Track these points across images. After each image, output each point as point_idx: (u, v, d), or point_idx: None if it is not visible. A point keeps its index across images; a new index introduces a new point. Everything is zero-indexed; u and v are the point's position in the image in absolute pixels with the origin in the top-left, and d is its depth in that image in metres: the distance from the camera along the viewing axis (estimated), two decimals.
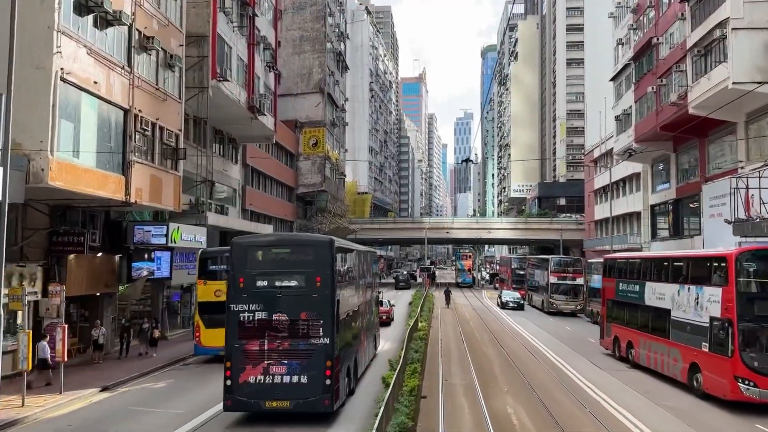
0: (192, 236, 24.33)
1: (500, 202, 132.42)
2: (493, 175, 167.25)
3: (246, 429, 13.30)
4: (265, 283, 13.49)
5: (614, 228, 56.24)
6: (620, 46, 45.44)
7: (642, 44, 39.10)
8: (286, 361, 13.10)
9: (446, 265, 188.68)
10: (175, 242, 22.84)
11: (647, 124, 38.33)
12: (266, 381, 13.02)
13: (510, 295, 43.69)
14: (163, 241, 22.20)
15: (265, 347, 13.14)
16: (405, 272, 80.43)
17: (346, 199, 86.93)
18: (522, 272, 50.91)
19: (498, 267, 68.28)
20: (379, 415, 10.72)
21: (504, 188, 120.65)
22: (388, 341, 25.37)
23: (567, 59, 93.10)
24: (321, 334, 13.21)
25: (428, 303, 37.78)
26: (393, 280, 70.02)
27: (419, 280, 69.68)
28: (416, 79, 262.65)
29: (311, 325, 13.24)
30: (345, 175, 62.67)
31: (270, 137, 36.35)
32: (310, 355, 13.12)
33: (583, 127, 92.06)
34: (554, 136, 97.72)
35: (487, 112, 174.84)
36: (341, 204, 59.57)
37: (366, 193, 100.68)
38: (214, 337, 20.52)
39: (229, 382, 13.05)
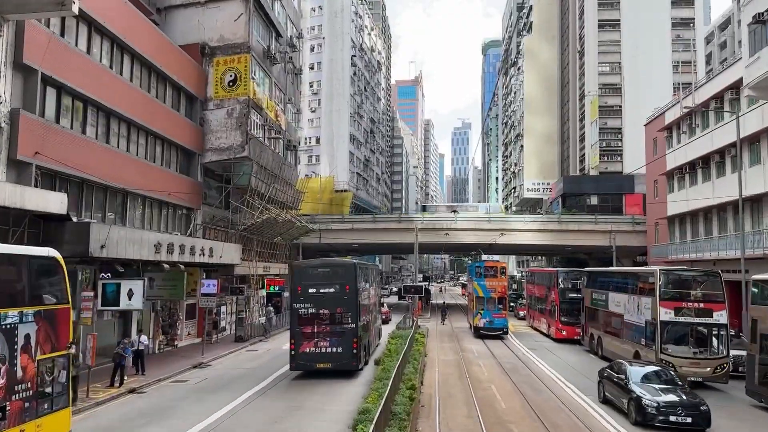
0: None
1: (507, 207, 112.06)
2: (497, 179, 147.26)
3: (304, 379, 20.19)
4: (314, 290, 20.75)
5: (708, 225, 36.11)
6: None
7: None
8: (328, 339, 20.42)
9: (444, 280, 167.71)
10: None
11: None
12: (316, 351, 20.36)
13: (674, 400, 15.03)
14: None
15: (315, 330, 20.45)
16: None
17: (304, 188, 67.12)
18: (576, 296, 30.51)
19: (525, 286, 45.57)
20: None
21: (514, 188, 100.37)
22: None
23: (599, 21, 73.48)
24: (349, 321, 20.50)
25: (409, 377, 17.01)
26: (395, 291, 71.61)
27: (406, 300, 48.09)
28: (412, 82, 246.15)
29: (343, 316, 20.52)
30: (295, 147, 42.25)
31: (63, 1, 16.07)
32: (343, 334, 20.43)
33: (620, 106, 72.29)
34: (581, 120, 77.77)
35: (490, 109, 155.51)
36: (289, 189, 39.15)
37: (345, 190, 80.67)
38: None
39: (293, 352, 20.53)
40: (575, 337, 30.64)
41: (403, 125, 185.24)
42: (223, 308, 32.45)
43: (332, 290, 20.69)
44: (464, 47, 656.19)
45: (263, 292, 40.72)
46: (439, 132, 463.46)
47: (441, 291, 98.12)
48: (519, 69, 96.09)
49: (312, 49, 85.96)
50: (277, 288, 39.37)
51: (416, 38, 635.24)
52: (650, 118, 46.07)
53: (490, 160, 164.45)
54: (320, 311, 20.47)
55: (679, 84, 67.53)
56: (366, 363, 22.30)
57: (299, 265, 22.56)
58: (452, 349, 28.69)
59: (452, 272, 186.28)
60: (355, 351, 20.34)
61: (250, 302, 33.12)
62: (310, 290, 20.64)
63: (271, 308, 40.29)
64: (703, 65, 71.84)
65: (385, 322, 36.50)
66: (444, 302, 57.18)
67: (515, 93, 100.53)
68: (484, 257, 32.15)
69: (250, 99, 31.16)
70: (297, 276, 21.46)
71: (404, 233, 50.68)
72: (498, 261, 34.13)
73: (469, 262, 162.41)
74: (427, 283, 71.51)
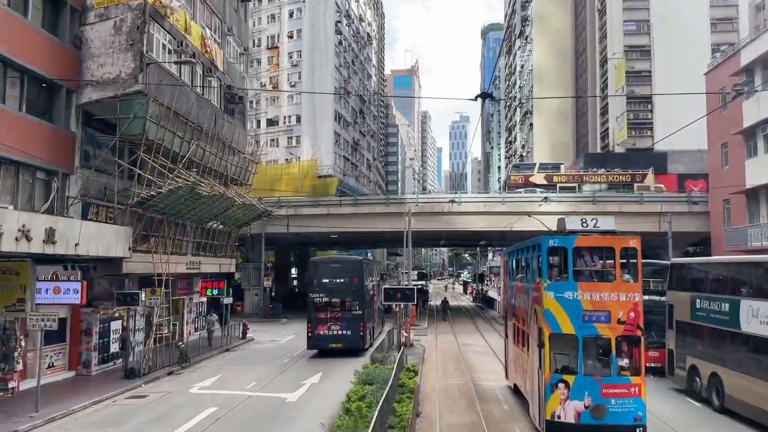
0: None
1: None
2: (499, 168, 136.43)
3: (319, 358, 24.28)
4: (328, 281, 24.73)
5: None
6: None
7: None
8: (339, 323, 24.31)
9: (444, 277, 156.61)
10: None
11: None
12: (329, 333, 24.28)
13: None
14: None
15: (328, 316, 24.33)
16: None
17: (283, 173, 57.14)
18: (653, 302, 19.62)
19: None
20: None
21: None
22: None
23: None
24: (357, 309, 24.54)
25: None
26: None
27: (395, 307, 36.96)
28: (408, 71, 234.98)
29: (352, 304, 24.56)
30: (241, 98, 31.09)
31: None
32: (352, 320, 24.43)
33: (650, 71, 61.36)
34: (603, 89, 66.90)
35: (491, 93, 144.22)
36: (233, 156, 28.25)
37: (330, 176, 70.01)
38: None
39: (310, 334, 24.53)
40: (652, 365, 19.85)
41: (399, 115, 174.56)
42: (115, 324, 21.58)
43: (343, 282, 24.73)
44: (464, 42, 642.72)
45: (200, 298, 29.99)
46: (437, 128, 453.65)
47: (446, 289, 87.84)
48: (527, 38, 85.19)
49: (291, 15, 75.22)
50: (215, 291, 28.53)
51: (415, 33, 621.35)
52: (713, 65, 35.25)
53: (492, 148, 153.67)
54: (332, 300, 24.49)
55: (718, 45, 56.90)
56: (371, 345, 25.52)
57: (315, 261, 26.58)
58: (463, 393, 17.89)
59: (451, 269, 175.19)
60: (362, 333, 24.53)
61: (157, 314, 22.27)
62: (324, 281, 24.67)
63: (215, 317, 29.63)
64: (746, 23, 61.03)
65: (387, 311, 43.06)
66: (444, 299, 47.12)
67: (522, 66, 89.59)
68: (570, 226, 12.45)
69: (146, 3, 20.25)
70: (312, 270, 25.50)
71: (394, 219, 39.87)
72: (618, 234, 12.39)
73: (467, 257, 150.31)
74: (423, 282, 60.66)
